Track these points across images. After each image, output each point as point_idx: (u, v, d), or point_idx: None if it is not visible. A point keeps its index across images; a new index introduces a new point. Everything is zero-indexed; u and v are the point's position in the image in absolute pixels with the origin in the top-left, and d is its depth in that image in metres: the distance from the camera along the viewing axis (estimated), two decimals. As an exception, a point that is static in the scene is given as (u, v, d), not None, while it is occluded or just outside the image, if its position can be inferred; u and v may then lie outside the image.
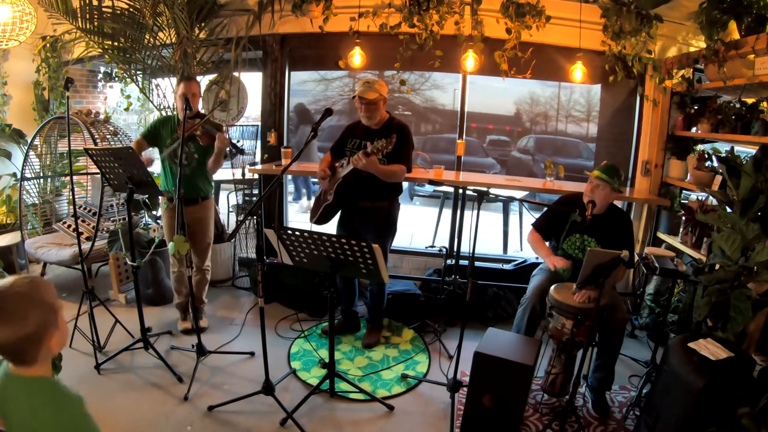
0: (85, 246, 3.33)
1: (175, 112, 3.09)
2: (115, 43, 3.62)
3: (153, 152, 3.13)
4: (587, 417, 2.42)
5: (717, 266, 2.32)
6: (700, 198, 3.08)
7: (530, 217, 2.87)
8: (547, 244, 2.75)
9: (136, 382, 2.55)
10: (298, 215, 5.35)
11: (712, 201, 2.83)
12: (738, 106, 2.86)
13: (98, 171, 2.72)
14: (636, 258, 3.10)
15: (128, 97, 4.55)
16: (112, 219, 3.85)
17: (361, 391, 2.51)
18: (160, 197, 3.13)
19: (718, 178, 2.79)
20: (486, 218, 4.49)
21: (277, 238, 2.20)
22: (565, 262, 2.47)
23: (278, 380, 2.53)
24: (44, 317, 1.09)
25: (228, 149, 2.80)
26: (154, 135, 2.96)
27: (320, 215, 2.86)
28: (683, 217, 3.15)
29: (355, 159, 2.54)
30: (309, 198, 6.01)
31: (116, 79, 4.30)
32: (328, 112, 2.28)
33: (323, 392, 2.50)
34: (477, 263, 3.50)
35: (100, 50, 3.64)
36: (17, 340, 1.07)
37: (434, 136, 5.50)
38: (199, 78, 3.74)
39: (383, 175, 2.68)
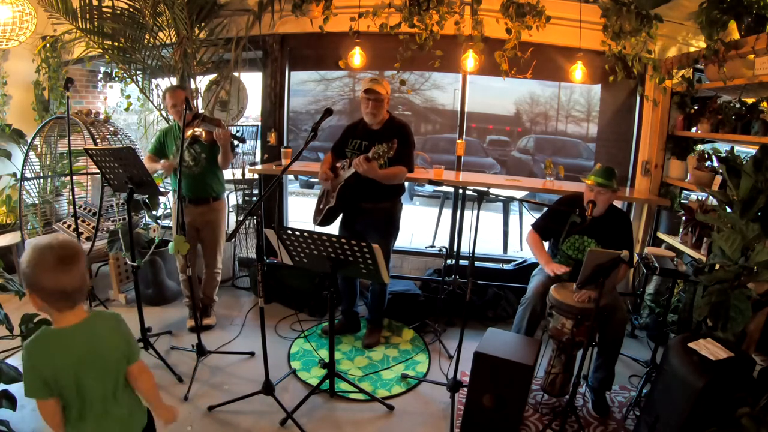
0: (85, 246, 3.33)
1: (172, 121, 3.11)
2: (115, 43, 3.62)
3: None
4: (587, 417, 2.42)
5: (717, 266, 2.32)
6: (700, 198, 3.08)
7: (530, 217, 2.87)
8: (546, 244, 2.75)
9: (136, 382, 2.55)
10: (299, 215, 5.35)
11: (712, 201, 2.83)
12: (738, 106, 2.86)
13: (98, 171, 2.72)
14: (636, 258, 3.10)
15: (128, 97, 4.55)
16: (112, 219, 3.85)
17: (361, 391, 2.51)
18: (161, 197, 3.14)
19: (718, 178, 2.79)
20: (486, 218, 4.49)
21: (277, 238, 2.20)
22: (565, 269, 2.46)
23: (278, 380, 2.54)
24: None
25: (231, 142, 2.82)
26: (160, 149, 3.02)
27: (323, 218, 2.86)
28: (683, 217, 3.14)
29: (356, 163, 2.54)
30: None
31: (116, 79, 4.31)
32: (328, 112, 2.28)
33: (323, 392, 2.50)
34: (477, 263, 3.50)
35: (100, 50, 3.64)
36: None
37: (434, 136, 5.49)
38: (199, 78, 3.75)
39: (384, 180, 2.68)
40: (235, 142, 2.88)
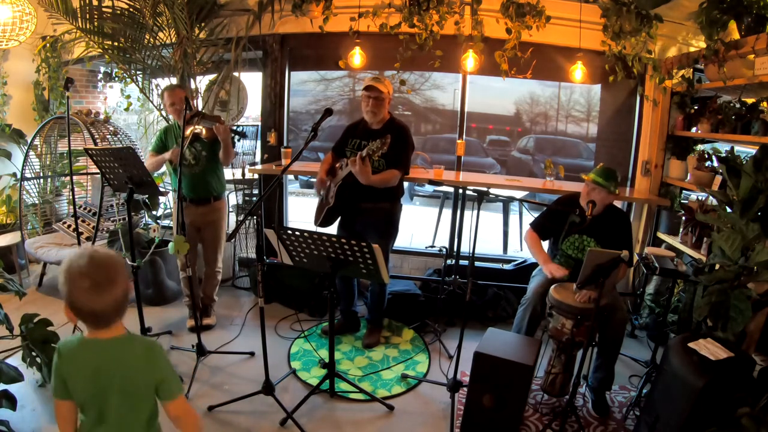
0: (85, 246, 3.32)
1: (172, 121, 3.11)
2: (115, 43, 3.62)
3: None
4: (587, 417, 2.42)
5: (717, 266, 2.32)
6: (700, 198, 3.08)
7: (530, 217, 2.87)
8: (545, 243, 2.75)
9: (136, 382, 2.55)
10: (299, 215, 5.35)
11: (712, 201, 2.83)
12: (738, 106, 2.86)
13: (98, 171, 2.72)
14: (636, 258, 3.10)
15: (128, 97, 4.55)
16: (112, 219, 3.85)
17: (361, 391, 2.51)
18: (161, 197, 3.14)
19: (718, 178, 2.79)
20: (486, 218, 4.49)
21: (277, 238, 2.20)
22: (564, 272, 2.45)
23: (278, 380, 2.54)
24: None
25: (232, 137, 2.83)
26: (162, 147, 3.01)
27: (323, 218, 2.86)
28: (683, 217, 3.14)
29: (351, 162, 2.54)
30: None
31: (116, 79, 4.31)
32: (328, 112, 2.28)
33: (323, 392, 2.50)
34: (477, 263, 3.50)
35: (100, 50, 3.64)
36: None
37: (434, 136, 5.50)
38: (199, 78, 3.75)
39: (377, 184, 2.67)
40: (236, 138, 2.88)
